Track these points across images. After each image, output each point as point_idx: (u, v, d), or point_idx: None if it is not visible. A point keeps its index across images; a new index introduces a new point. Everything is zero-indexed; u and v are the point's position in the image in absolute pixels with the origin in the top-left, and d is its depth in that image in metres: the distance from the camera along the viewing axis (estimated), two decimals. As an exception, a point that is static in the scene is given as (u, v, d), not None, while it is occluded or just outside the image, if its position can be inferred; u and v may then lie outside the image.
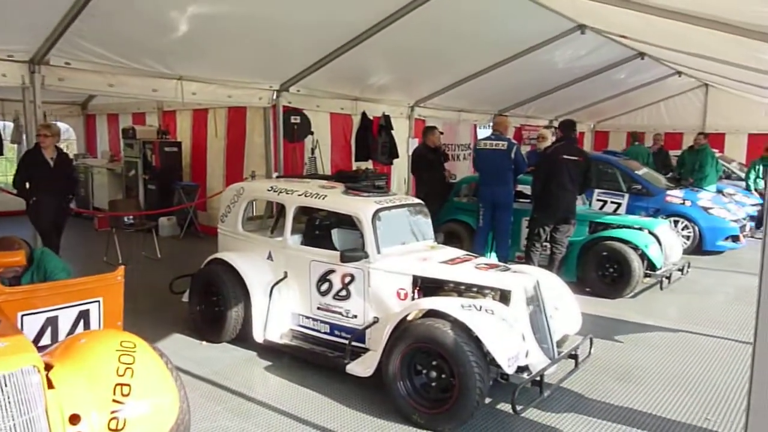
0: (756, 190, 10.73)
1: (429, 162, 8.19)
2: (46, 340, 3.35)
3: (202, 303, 5.01)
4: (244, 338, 4.79)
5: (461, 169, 11.44)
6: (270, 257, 4.85)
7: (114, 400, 2.59)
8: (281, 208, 5.13)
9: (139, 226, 8.32)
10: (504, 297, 3.97)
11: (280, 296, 4.71)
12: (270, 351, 4.69)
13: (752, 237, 10.13)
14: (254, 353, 4.74)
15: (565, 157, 6.64)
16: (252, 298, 4.66)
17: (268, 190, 5.04)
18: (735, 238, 8.91)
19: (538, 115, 13.37)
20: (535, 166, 7.16)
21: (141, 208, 9.04)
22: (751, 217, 10.18)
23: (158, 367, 2.84)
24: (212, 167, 9.89)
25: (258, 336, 4.65)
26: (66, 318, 3.45)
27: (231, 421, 3.71)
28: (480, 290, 4.05)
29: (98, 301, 3.69)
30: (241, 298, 4.73)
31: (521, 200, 7.50)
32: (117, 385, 2.64)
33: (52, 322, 3.41)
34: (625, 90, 12.57)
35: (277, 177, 7.20)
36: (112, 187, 10.72)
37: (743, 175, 11.60)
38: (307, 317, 4.64)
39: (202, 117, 9.93)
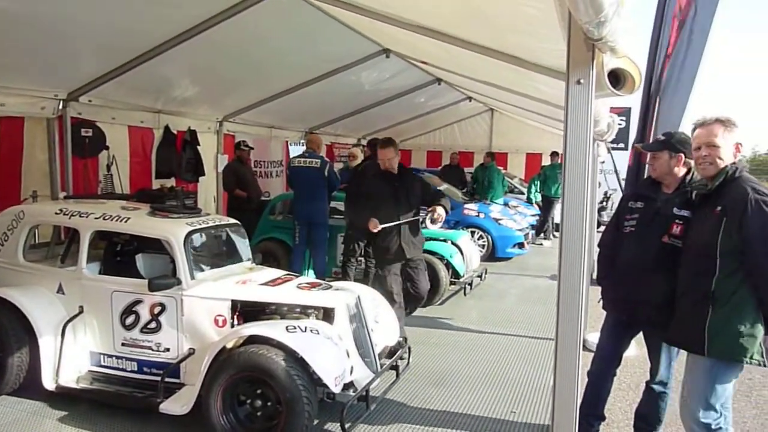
0: (536, 202, 12.29)
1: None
2: None
3: (-28, 351, 4.18)
4: (29, 388, 4.08)
5: (274, 186, 11.29)
6: (61, 290, 4.22)
7: None
8: (73, 234, 4.52)
9: None
10: (327, 315, 3.95)
11: (75, 334, 4.12)
12: (64, 399, 4.07)
13: (533, 243, 11.57)
14: (43, 404, 4.07)
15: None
16: (39, 339, 4.00)
17: (57, 213, 4.40)
18: (521, 245, 10.10)
19: (347, 133, 13.79)
20: (347, 184, 7.33)
21: None
22: (532, 226, 11.63)
23: None
24: (-20, 188, 8.40)
25: (48, 383, 4.00)
26: None
27: (15, 490, 3.12)
28: (303, 310, 3.98)
29: None
30: (24, 340, 4.03)
31: (336, 216, 7.62)
32: None
33: None
34: (424, 112, 13.56)
35: (66, 197, 6.36)
36: None
37: (524, 189, 13.23)
38: (110, 356, 4.13)
39: (-36, 129, 8.40)
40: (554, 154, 12.10)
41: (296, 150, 11.49)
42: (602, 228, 6.01)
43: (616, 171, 8.77)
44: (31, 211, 4.58)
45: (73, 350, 4.10)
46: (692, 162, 3.45)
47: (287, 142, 12.41)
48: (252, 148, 9.20)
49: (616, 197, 13.13)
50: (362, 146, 12.00)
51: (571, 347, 2.46)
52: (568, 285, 2.41)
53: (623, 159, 9.43)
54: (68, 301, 4.19)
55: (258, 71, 8.09)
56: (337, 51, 7.98)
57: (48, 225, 4.88)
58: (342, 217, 7.49)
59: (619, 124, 5.99)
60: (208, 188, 9.87)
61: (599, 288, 3.75)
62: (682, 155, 3.35)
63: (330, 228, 7.38)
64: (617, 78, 2.43)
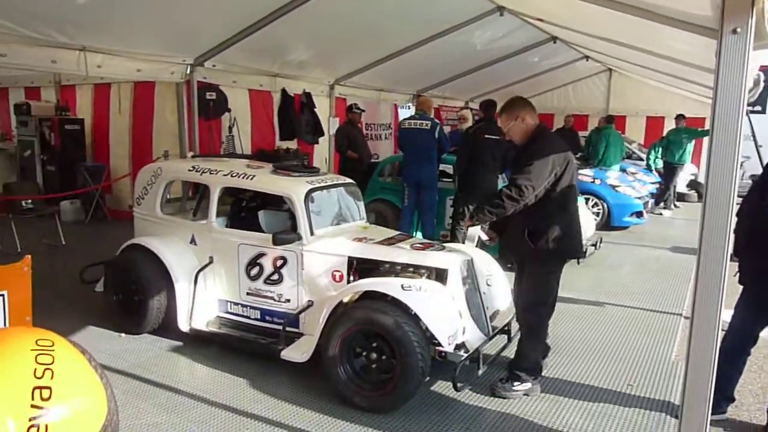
0: (656, 169, 11.50)
1: None
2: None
3: (120, 292, 4.65)
4: (167, 328, 4.51)
5: (383, 148, 11.42)
6: (193, 241, 4.58)
7: (33, 405, 2.30)
8: (203, 190, 4.85)
9: (39, 210, 7.62)
10: (440, 276, 3.97)
11: (206, 282, 4.47)
12: (196, 340, 4.45)
13: (652, 213, 10.89)
14: (179, 343, 4.48)
15: (486, 136, 6.75)
16: (175, 285, 4.38)
17: (189, 170, 4.74)
18: (639, 214, 9.53)
19: (454, 96, 13.57)
20: (459, 146, 7.24)
21: (41, 192, 8.30)
22: (651, 194, 10.93)
23: (81, 366, 2.54)
24: (116, 147, 9.22)
25: (183, 325, 4.39)
26: (-35, 315, 3.09)
27: (159, 417, 3.48)
28: (416, 270, 4.03)
29: (2, 295, 3.34)
30: (163, 285, 4.44)
31: (444, 179, 7.58)
32: (35, 388, 2.35)
33: (-52, 321, 3.03)
34: (537, 72, 12.97)
35: (193, 156, 6.84)
36: (5, 169, 9.75)
37: (643, 156, 12.41)
38: (236, 303, 4.44)
39: (104, 92, 9.21)
40: (679, 117, 11.19)
41: (404, 113, 11.49)
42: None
43: (754, 136, 7.98)
44: (167, 168, 4.96)
45: (204, 296, 4.45)
46: None
47: (396, 105, 12.44)
48: (363, 111, 9.31)
49: (749, 166, 11.96)
50: (471, 109, 11.79)
51: (709, 325, 2.32)
52: (710, 258, 2.26)
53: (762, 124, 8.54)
54: (200, 251, 4.53)
55: (369, 33, 8.11)
56: (450, 10, 7.80)
57: (180, 181, 5.25)
58: (450, 180, 7.44)
59: (765, 82, 5.38)
60: (321, 149, 10.19)
61: (734, 262, 3.46)
62: None
63: (439, 191, 7.36)
64: (780, 27, 2.18)
